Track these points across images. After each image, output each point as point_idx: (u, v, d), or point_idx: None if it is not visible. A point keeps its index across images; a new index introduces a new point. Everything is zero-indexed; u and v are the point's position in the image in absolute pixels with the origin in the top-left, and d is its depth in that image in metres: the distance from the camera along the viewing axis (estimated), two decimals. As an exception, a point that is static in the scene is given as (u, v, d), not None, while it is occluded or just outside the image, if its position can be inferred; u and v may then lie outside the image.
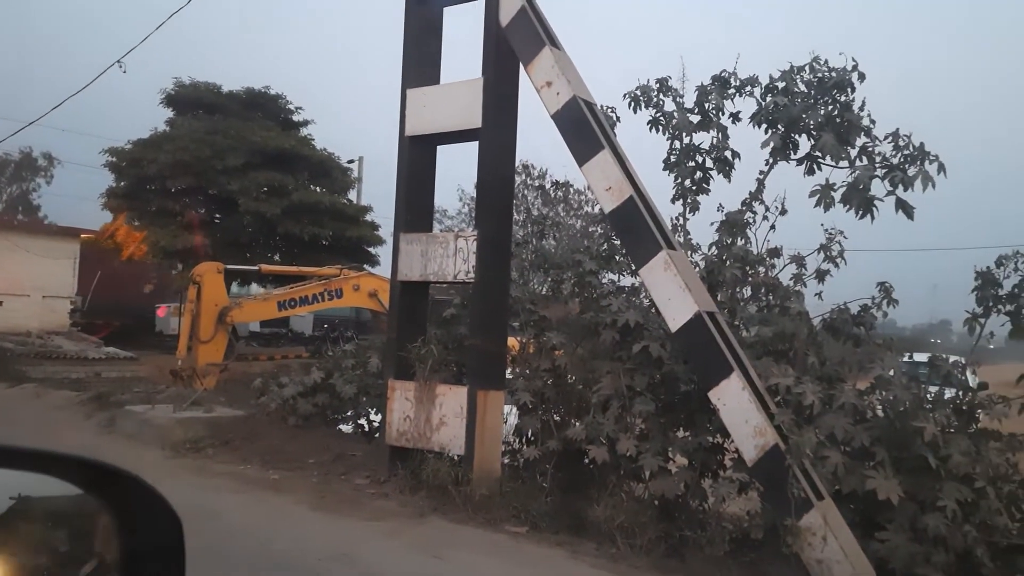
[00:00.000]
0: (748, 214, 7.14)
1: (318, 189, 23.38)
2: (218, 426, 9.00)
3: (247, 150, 21.54)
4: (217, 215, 23.02)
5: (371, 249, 24.24)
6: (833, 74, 6.92)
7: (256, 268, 16.77)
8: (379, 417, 8.06)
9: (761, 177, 7.16)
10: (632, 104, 7.48)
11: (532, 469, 6.77)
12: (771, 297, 7.02)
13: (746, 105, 7.28)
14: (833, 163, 6.75)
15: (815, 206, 6.61)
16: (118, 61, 10.88)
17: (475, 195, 8.15)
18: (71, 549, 1.36)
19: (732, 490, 5.76)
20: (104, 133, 62.09)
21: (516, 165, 8.10)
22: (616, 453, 6.12)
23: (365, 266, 19.64)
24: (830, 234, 6.78)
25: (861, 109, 6.80)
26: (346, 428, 9.57)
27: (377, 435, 8.05)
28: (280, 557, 5.16)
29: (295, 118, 25.19)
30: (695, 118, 7.40)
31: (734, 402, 5.42)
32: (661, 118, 7.47)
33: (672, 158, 7.44)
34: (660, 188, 7.18)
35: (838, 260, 6.76)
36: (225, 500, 6.58)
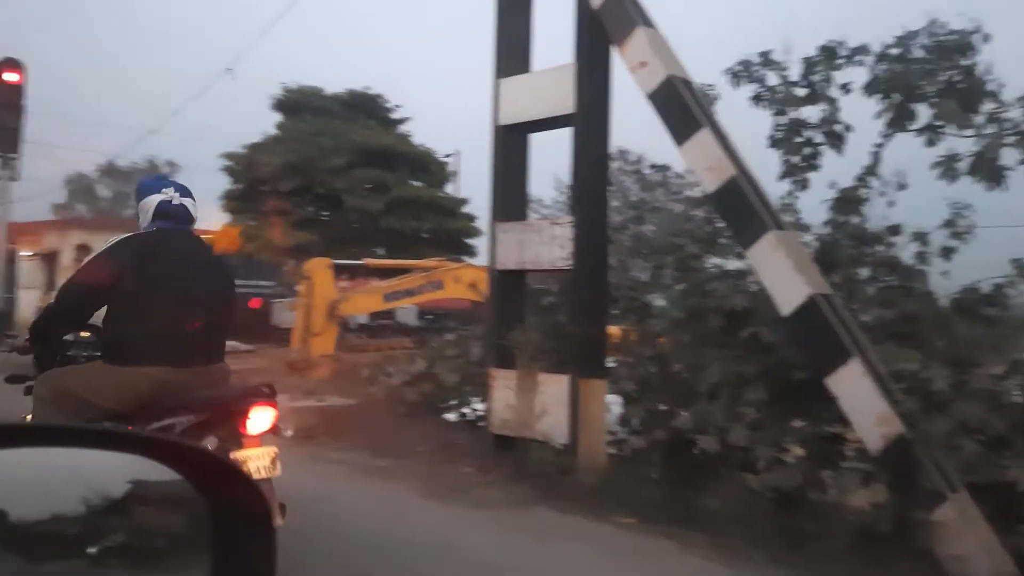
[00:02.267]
0: (863, 190, 6.73)
1: (417, 184, 23.88)
2: (330, 415, 9.34)
3: (350, 149, 22.25)
4: (324, 213, 23.88)
5: (469, 240, 24.56)
6: (953, 37, 6.43)
7: (362, 263, 17.29)
8: (482, 405, 8.14)
9: (877, 150, 6.74)
10: (733, 80, 7.19)
11: (639, 459, 6.65)
12: (891, 277, 6.60)
13: (857, 75, 6.87)
14: (957, 132, 6.28)
15: (938, 179, 6.18)
16: (228, 69, 11.43)
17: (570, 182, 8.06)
18: (187, 533, 1.39)
19: (855, 481, 5.45)
20: (218, 139, 65.59)
21: (612, 150, 7.97)
22: (727, 443, 5.91)
23: (464, 257, 19.89)
24: (956, 208, 6.31)
25: (987, 73, 6.29)
26: (451, 417, 9.73)
27: (480, 423, 8.13)
28: (389, 541, 5.27)
29: (393, 116, 25.80)
30: (801, 91, 7.04)
31: (855, 389, 5.10)
32: (764, 93, 7.15)
33: (778, 134, 7.11)
34: (767, 166, 6.89)
35: (965, 236, 6.28)
36: (337, 486, 6.80)
